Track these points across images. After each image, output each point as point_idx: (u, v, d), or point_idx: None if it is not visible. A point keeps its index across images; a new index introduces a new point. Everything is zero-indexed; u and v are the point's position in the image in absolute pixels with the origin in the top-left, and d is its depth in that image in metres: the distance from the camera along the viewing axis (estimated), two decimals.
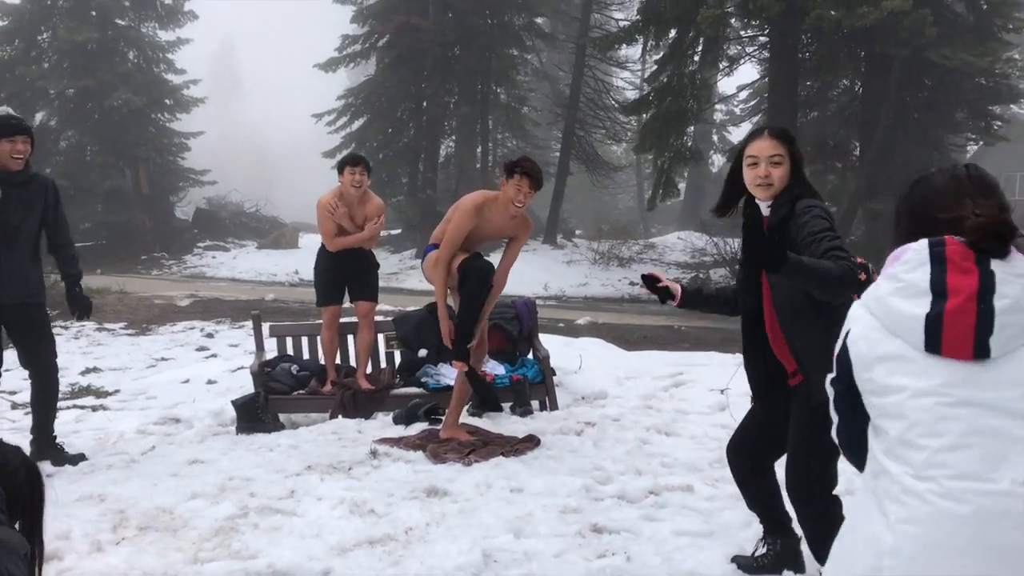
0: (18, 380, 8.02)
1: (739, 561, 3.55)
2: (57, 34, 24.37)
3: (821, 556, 2.93)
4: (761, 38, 18.92)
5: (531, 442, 5.36)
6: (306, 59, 27.44)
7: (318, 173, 29.96)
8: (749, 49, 19.76)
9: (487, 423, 5.93)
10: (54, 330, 11.31)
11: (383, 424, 5.96)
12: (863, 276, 2.73)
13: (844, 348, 1.80)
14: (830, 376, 1.86)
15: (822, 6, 15.11)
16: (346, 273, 6.52)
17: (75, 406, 6.99)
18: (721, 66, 19.42)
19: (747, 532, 3.82)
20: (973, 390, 1.63)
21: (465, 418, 5.88)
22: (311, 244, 25.63)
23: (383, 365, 6.86)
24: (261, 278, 21.81)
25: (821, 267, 2.68)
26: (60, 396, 7.38)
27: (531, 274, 19.79)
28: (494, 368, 6.62)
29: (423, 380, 6.48)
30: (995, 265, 1.66)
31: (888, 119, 17.73)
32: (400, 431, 5.72)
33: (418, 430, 5.67)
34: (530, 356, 6.94)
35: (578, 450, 5.32)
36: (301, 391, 6.42)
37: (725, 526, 3.98)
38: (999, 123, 19.48)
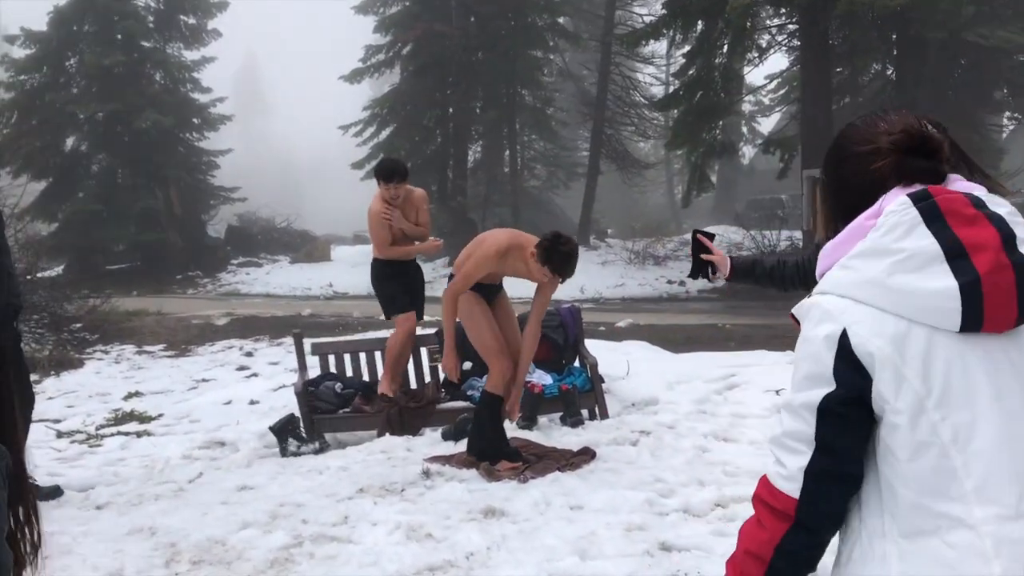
0: (62, 408, 8.00)
1: None
2: (84, 59, 24.59)
3: None
4: (790, 26, 18.57)
5: (587, 455, 5.18)
6: (329, 71, 27.54)
7: (347, 185, 30.05)
8: (779, 38, 19.39)
9: (539, 436, 5.77)
10: (95, 354, 11.39)
11: (432, 440, 5.81)
12: None
13: (848, 355, 1.29)
14: (806, 397, 1.33)
15: None
16: (409, 282, 6.29)
17: (120, 432, 6.91)
18: (750, 56, 19.09)
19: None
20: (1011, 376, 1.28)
21: (516, 431, 5.72)
22: (344, 256, 25.62)
23: (427, 379, 6.71)
24: (296, 292, 21.77)
25: None
26: (105, 423, 7.37)
27: None
28: (541, 378, 6.44)
29: (469, 393, 6.31)
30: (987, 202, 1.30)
31: (926, 102, 17.31)
32: (450, 447, 5.57)
33: None
34: (576, 364, 6.76)
35: (635, 461, 5.13)
36: (346, 409, 6.30)
37: None
38: None
